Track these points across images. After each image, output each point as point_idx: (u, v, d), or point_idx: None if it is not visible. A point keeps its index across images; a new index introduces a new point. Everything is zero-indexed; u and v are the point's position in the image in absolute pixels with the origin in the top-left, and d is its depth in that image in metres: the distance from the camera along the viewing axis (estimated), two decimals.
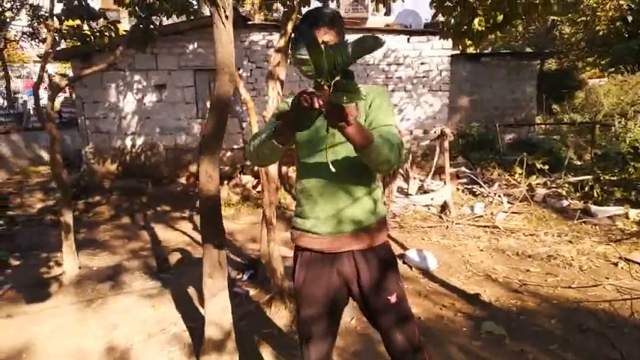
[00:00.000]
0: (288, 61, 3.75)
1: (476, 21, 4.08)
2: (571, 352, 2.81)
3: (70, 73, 17.45)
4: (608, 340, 2.93)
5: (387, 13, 11.99)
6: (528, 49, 15.45)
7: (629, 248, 4.59)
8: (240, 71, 7.85)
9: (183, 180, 8.39)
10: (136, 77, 8.04)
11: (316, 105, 1.16)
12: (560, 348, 2.88)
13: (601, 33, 16.57)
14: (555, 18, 18.56)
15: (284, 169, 7.76)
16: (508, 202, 6.52)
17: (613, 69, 17.32)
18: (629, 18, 16.56)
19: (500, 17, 4.03)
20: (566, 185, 6.86)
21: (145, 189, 7.76)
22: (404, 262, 4.48)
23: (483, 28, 4.12)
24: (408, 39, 7.91)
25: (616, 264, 4.21)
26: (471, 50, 4.46)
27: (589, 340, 2.97)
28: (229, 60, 2.37)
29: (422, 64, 8.06)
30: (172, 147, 8.34)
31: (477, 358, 2.79)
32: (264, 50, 8.00)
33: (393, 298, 1.67)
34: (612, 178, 6.78)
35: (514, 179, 7.35)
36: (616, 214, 5.77)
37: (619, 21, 16.69)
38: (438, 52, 7.88)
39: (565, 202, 6.41)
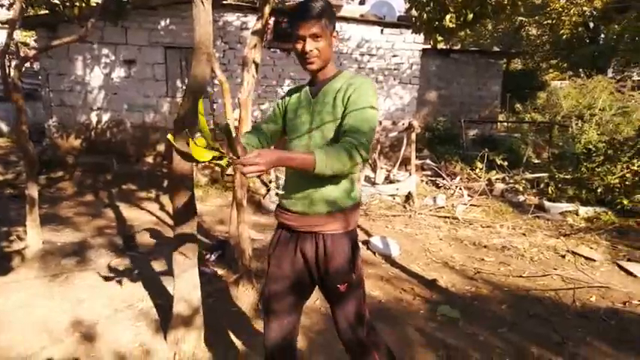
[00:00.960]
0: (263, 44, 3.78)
1: (447, 17, 4.22)
2: (518, 336, 3.04)
3: (32, 43, 16.62)
4: (551, 325, 3.18)
5: (362, 2, 12.05)
6: (496, 48, 15.88)
7: (576, 242, 4.92)
8: (214, 51, 7.77)
9: (150, 159, 8.26)
10: (105, 51, 7.81)
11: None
12: (508, 331, 3.10)
13: (564, 37, 17.26)
14: (523, 19, 19.16)
15: None
16: (468, 195, 6.80)
17: (573, 72, 18.05)
18: (591, 24, 17.32)
19: (471, 15, 4.18)
20: (523, 181, 7.21)
21: (111, 166, 7.61)
22: (368, 248, 4.65)
23: (454, 25, 4.26)
24: (382, 30, 8.02)
25: (564, 256, 4.52)
26: (440, 46, 4.60)
27: (535, 324, 3.21)
28: (207, 40, 2.40)
29: (394, 56, 8.21)
30: (140, 125, 8.18)
31: (432, 338, 2.97)
32: (238, 32, 7.93)
33: (342, 288, 1.74)
34: (566, 177, 7.17)
35: (475, 174, 7.65)
36: (567, 210, 6.14)
37: (581, 26, 17.42)
38: (409, 45, 8.04)
39: (521, 198, 6.75)
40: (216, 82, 6.37)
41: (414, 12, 4.66)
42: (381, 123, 7.26)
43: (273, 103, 7.84)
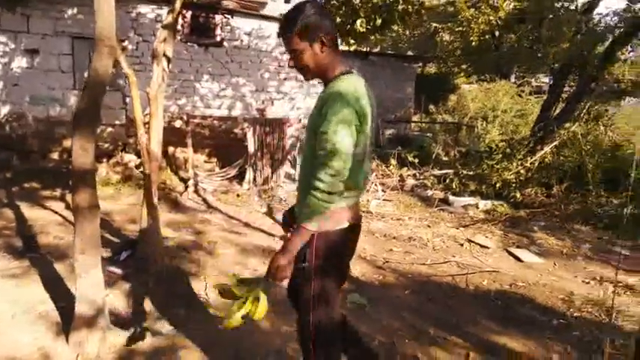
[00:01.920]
0: (178, 37, 3.74)
1: (358, 22, 4.44)
2: (419, 318, 3.30)
3: None
4: (449, 308, 3.49)
5: (287, 1, 12.12)
6: (410, 53, 16.74)
7: (474, 232, 5.40)
8: (126, 43, 7.44)
9: (55, 155, 7.73)
10: (2, 39, 7.18)
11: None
12: (410, 314, 3.36)
13: (473, 43, 18.60)
14: (437, 25, 20.37)
15: (171, 149, 7.57)
16: (382, 191, 7.16)
17: (480, 77, 19.46)
18: (497, 33, 18.82)
19: (379, 21, 4.43)
20: (432, 177, 7.75)
21: (11, 163, 7.02)
22: None
23: (365, 30, 4.49)
24: None
25: (462, 245, 4.95)
26: (352, 48, 4.83)
27: (434, 307, 3.50)
28: (109, 32, 2.36)
29: None
30: (44, 119, 7.62)
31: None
32: (152, 24, 7.66)
33: (300, 287, 1.81)
34: (469, 173, 7.81)
35: (389, 170, 8.08)
36: (469, 203, 6.70)
37: (488, 34, 18.88)
38: None
39: (429, 192, 7.24)
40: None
41: None
42: (300, 120, 7.41)
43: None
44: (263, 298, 1.68)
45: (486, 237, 5.22)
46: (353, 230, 1.84)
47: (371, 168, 1.97)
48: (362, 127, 1.63)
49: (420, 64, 22.08)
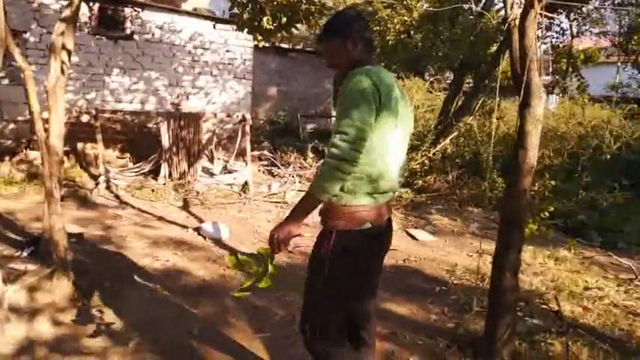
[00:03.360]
0: (78, 31, 3.72)
1: (265, 19, 4.65)
2: None
3: None
4: None
5: None
6: None
7: None
8: (27, 35, 7.07)
9: None
10: None
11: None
12: None
13: (390, 42, 19.53)
14: None
15: (80, 145, 7.32)
16: (299, 182, 7.46)
17: (397, 74, 20.46)
18: (412, 32, 19.89)
19: (285, 19, 4.68)
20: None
21: None
22: (199, 234, 4.87)
23: (271, 27, 4.71)
24: (214, 25, 8.23)
25: None
26: (261, 45, 5.03)
27: None
28: None
29: (227, 51, 8.48)
30: None
31: (245, 303, 3.35)
32: (57, 15, 7.31)
33: (310, 272, 1.89)
34: None
35: (307, 162, 8.40)
36: None
37: (404, 34, 19.92)
38: (242, 42, 8.37)
39: None
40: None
41: (235, 11, 5.01)
42: (216, 115, 7.48)
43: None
44: (270, 267, 1.85)
45: None
46: (379, 233, 1.80)
47: (402, 171, 1.85)
48: (382, 119, 1.62)
49: None
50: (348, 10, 2.00)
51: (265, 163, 8.31)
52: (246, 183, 6.97)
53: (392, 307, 3.41)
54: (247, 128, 7.06)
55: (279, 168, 7.94)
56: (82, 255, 3.98)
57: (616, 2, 11.01)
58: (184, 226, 5.11)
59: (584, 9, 15.46)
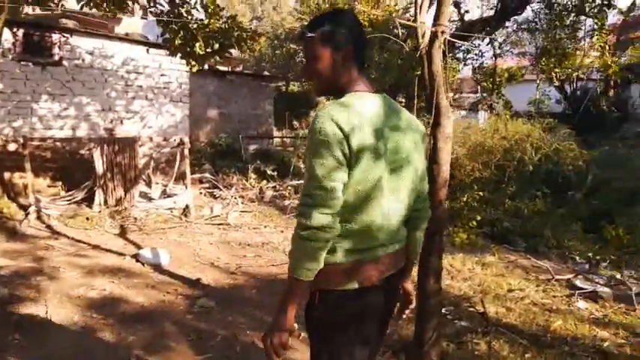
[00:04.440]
0: None
1: (197, 45, 4.74)
2: (261, 311, 3.66)
3: None
4: None
5: (145, 17, 11.93)
6: (266, 73, 17.56)
7: None
8: None
9: None
10: None
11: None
12: (254, 309, 3.70)
13: None
14: (296, 47, 21.59)
15: (7, 175, 6.94)
16: (242, 203, 7.49)
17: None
18: None
19: (217, 45, 4.79)
20: (289, 188, 8.31)
21: None
22: (137, 261, 4.78)
23: (204, 52, 4.80)
24: (147, 50, 8.18)
25: None
26: (195, 69, 5.09)
27: (276, 299, 3.88)
28: None
29: (162, 75, 8.44)
30: None
31: (187, 327, 3.35)
32: None
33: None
34: None
35: (249, 183, 8.45)
36: None
37: None
38: (177, 65, 8.31)
39: (287, 202, 7.77)
40: None
41: (167, 36, 5.06)
42: (151, 139, 7.38)
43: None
44: None
45: None
46: (375, 293, 1.46)
47: (402, 215, 1.49)
48: (360, 167, 1.32)
49: (282, 82, 23.09)
50: (350, 11, 1.55)
51: (207, 185, 8.26)
52: (186, 206, 6.90)
53: None
54: (186, 151, 7.02)
55: (221, 190, 7.93)
56: (11, 288, 3.80)
57: (532, 26, 12.10)
58: (122, 254, 4.99)
59: (504, 31, 16.79)
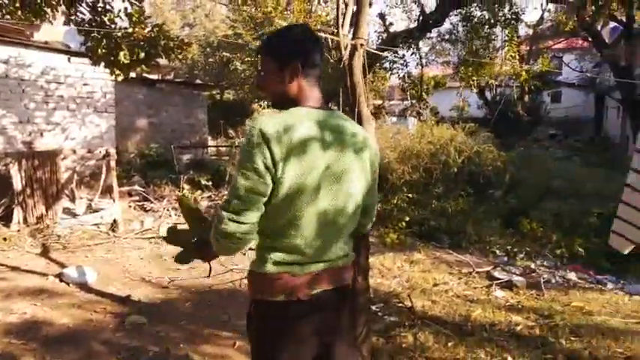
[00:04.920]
0: None
1: (121, 54, 4.63)
2: (194, 323, 3.63)
3: None
4: (224, 310, 3.91)
5: (67, 23, 11.28)
6: (199, 81, 17.31)
7: None
8: None
9: None
10: None
11: None
12: (188, 322, 3.66)
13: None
14: (230, 55, 21.42)
15: None
16: (176, 215, 7.31)
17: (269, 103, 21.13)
18: None
19: (142, 54, 4.70)
20: (225, 197, 8.24)
21: None
22: (61, 280, 4.54)
23: (129, 61, 4.70)
24: (69, 59, 7.80)
25: (244, 254, 5.46)
26: (120, 78, 4.94)
27: (210, 312, 3.88)
28: None
29: (85, 84, 8.06)
30: None
31: (117, 345, 3.25)
32: None
33: None
34: None
35: (183, 195, 8.26)
36: None
37: None
38: (101, 75, 7.97)
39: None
40: None
41: (90, 45, 4.89)
42: (75, 152, 7.03)
43: None
44: None
45: None
46: (306, 305, 1.42)
47: (338, 232, 1.48)
48: (286, 175, 1.30)
49: (217, 91, 22.77)
50: (302, 27, 1.53)
51: (136, 198, 7.97)
52: (114, 221, 6.63)
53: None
54: (112, 163, 6.75)
55: (152, 202, 7.69)
56: None
57: (453, 37, 12.91)
58: (44, 274, 4.71)
59: (429, 41, 17.72)
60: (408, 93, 16.55)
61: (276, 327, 1.43)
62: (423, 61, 14.86)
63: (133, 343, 3.29)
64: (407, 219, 6.33)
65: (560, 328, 3.58)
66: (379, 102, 14.19)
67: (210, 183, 8.83)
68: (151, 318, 3.72)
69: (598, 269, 5.85)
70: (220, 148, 14.09)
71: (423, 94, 16.37)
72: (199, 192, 8.55)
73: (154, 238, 6.23)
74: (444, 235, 6.52)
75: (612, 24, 18.79)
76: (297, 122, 1.35)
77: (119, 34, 4.72)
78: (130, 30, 4.77)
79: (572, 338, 3.44)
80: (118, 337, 3.40)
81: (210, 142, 14.07)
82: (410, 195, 7.24)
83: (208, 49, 23.48)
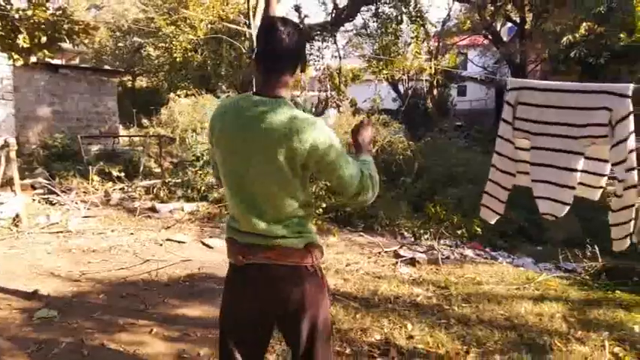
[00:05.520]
0: None
1: (21, 37, 4.36)
2: (109, 314, 3.59)
3: None
4: (140, 299, 3.89)
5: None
6: (107, 67, 16.38)
7: (175, 232, 5.98)
8: None
9: None
10: None
11: None
12: (102, 313, 3.61)
13: (178, 59, 19.45)
14: (141, 40, 20.36)
15: None
16: (86, 208, 6.98)
17: (190, 91, 20.51)
18: (199, 50, 20.16)
19: (44, 38, 4.47)
20: (139, 189, 7.98)
21: None
22: None
23: (28, 45, 4.44)
24: None
25: (161, 244, 5.44)
26: (19, 63, 4.61)
27: (126, 302, 3.85)
28: None
29: None
30: None
31: (26, 340, 3.14)
32: None
33: None
34: (177, 181, 8.39)
35: (92, 187, 7.89)
36: (175, 208, 7.26)
37: (192, 51, 20.07)
38: None
39: (137, 203, 7.47)
40: None
41: None
42: None
43: None
44: None
45: (185, 234, 5.87)
46: (243, 273, 1.60)
47: (258, 214, 1.54)
48: (219, 156, 1.59)
49: (128, 77, 21.59)
50: (274, 17, 1.61)
51: (41, 191, 7.48)
52: (17, 215, 6.20)
53: (184, 311, 3.65)
54: (12, 154, 6.27)
55: (58, 195, 7.26)
56: None
57: (365, 32, 13.47)
58: None
59: (345, 35, 18.25)
60: (328, 85, 16.98)
61: (225, 285, 1.72)
62: (341, 52, 15.33)
63: (43, 337, 3.20)
64: (324, 206, 6.62)
65: (453, 297, 4.06)
66: (297, 93, 14.41)
67: (122, 174, 8.50)
68: (61, 311, 3.62)
69: (493, 247, 6.60)
70: (133, 138, 13.48)
71: (342, 86, 16.88)
72: (111, 184, 8.21)
73: (61, 232, 5.93)
74: (357, 220, 6.92)
75: (509, 24, 20.68)
76: (229, 109, 1.61)
77: (16, 15, 4.43)
78: (29, 12, 4.49)
79: (464, 305, 3.92)
80: (25, 331, 3.29)
81: (122, 132, 13.42)
82: (327, 183, 7.55)
83: (118, 34, 22.16)
